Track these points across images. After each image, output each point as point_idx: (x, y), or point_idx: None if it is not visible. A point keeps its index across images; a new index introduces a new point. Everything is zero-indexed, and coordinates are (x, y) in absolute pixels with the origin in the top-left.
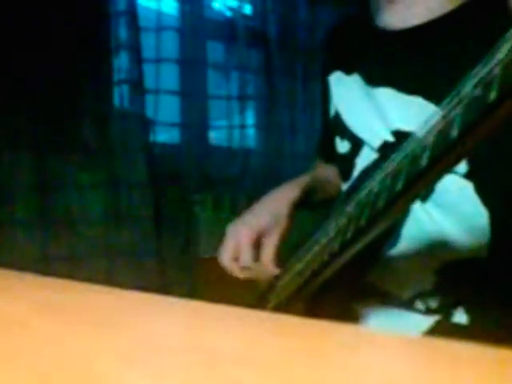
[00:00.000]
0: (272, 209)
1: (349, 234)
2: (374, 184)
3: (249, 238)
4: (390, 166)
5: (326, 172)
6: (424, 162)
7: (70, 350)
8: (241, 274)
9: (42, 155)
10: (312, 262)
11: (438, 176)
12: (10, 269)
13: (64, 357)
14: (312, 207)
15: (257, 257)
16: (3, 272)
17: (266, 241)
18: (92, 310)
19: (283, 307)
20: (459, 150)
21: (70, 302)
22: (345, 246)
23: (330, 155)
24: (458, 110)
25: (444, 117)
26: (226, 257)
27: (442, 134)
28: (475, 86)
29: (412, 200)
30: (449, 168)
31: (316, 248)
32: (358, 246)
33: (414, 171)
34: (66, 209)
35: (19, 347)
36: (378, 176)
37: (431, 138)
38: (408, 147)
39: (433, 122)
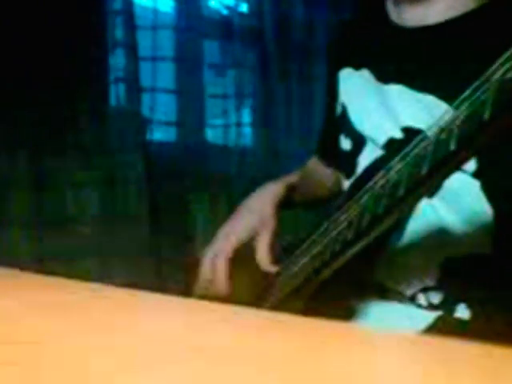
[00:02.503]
0: (258, 210)
1: (364, 224)
2: (390, 175)
3: (235, 243)
4: (408, 155)
5: (319, 171)
6: (452, 146)
7: (65, 349)
8: (210, 279)
9: (38, 154)
10: (319, 255)
11: (465, 161)
12: (6, 268)
13: (60, 355)
14: (299, 207)
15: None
16: (5, 272)
17: (256, 242)
18: (88, 308)
19: (285, 303)
20: (490, 132)
21: (66, 301)
22: (359, 236)
23: (332, 154)
24: (489, 93)
25: (473, 102)
26: (206, 260)
27: (471, 117)
28: (507, 70)
29: (433, 186)
30: (477, 151)
31: (324, 241)
32: (373, 236)
33: (441, 156)
34: (62, 207)
35: (15, 346)
36: (394, 167)
37: (458, 123)
38: (427, 138)
39: (459, 110)
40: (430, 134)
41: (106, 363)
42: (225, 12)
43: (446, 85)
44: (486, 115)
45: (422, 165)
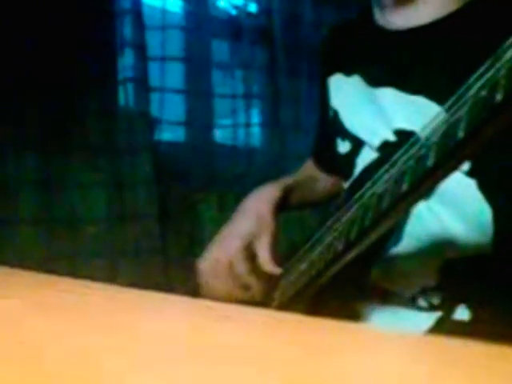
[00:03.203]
0: (255, 213)
1: (352, 236)
2: (377, 186)
3: (238, 250)
4: (394, 166)
5: (315, 175)
6: (430, 162)
7: (72, 349)
8: (221, 289)
9: (46, 154)
10: (316, 261)
11: (443, 176)
12: (13, 267)
13: (66, 355)
14: (296, 209)
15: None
16: (7, 270)
17: (256, 246)
18: (95, 308)
19: (287, 306)
20: (465, 151)
21: (74, 301)
22: (348, 247)
23: (326, 158)
24: (464, 111)
25: (449, 118)
26: (206, 265)
27: (447, 135)
28: (481, 88)
29: (417, 200)
30: (454, 169)
31: (319, 248)
32: (362, 247)
33: (419, 172)
34: (70, 207)
35: (22, 345)
36: (382, 178)
37: (436, 139)
38: (412, 148)
39: (436, 123)
40: (409, 148)
41: (109, 363)
42: (233, 12)
43: (435, 85)
44: (461, 134)
45: (403, 180)
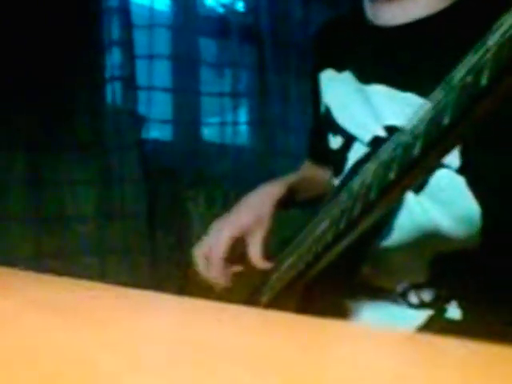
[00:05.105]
0: (255, 208)
1: (342, 226)
2: (365, 175)
3: (229, 238)
4: (382, 156)
5: (314, 171)
6: (416, 151)
7: (63, 347)
8: (207, 273)
9: (35, 152)
10: (305, 254)
11: (431, 165)
12: (3, 266)
13: (57, 353)
14: (298, 206)
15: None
16: None
17: (250, 240)
18: (84, 306)
19: (277, 301)
20: (451, 138)
21: (63, 299)
22: (338, 238)
23: (321, 152)
24: (449, 97)
25: (435, 106)
26: (200, 252)
27: (433, 122)
28: (466, 74)
29: (405, 190)
30: (441, 156)
31: (309, 240)
32: (351, 237)
33: (406, 160)
34: (59, 205)
35: (12, 344)
36: (370, 167)
37: (423, 127)
38: (399, 137)
39: (424, 111)
40: (397, 137)
41: (103, 361)
42: (221, 10)
43: (426, 82)
44: (446, 121)
45: (390, 169)
